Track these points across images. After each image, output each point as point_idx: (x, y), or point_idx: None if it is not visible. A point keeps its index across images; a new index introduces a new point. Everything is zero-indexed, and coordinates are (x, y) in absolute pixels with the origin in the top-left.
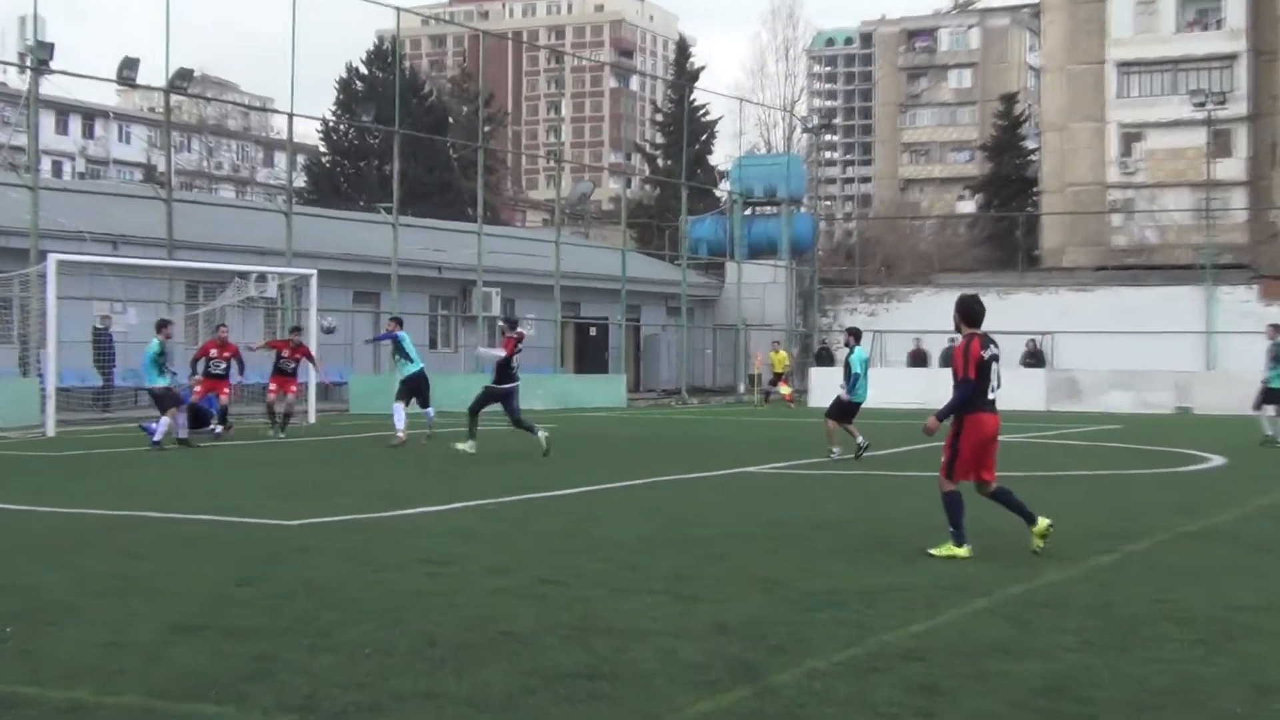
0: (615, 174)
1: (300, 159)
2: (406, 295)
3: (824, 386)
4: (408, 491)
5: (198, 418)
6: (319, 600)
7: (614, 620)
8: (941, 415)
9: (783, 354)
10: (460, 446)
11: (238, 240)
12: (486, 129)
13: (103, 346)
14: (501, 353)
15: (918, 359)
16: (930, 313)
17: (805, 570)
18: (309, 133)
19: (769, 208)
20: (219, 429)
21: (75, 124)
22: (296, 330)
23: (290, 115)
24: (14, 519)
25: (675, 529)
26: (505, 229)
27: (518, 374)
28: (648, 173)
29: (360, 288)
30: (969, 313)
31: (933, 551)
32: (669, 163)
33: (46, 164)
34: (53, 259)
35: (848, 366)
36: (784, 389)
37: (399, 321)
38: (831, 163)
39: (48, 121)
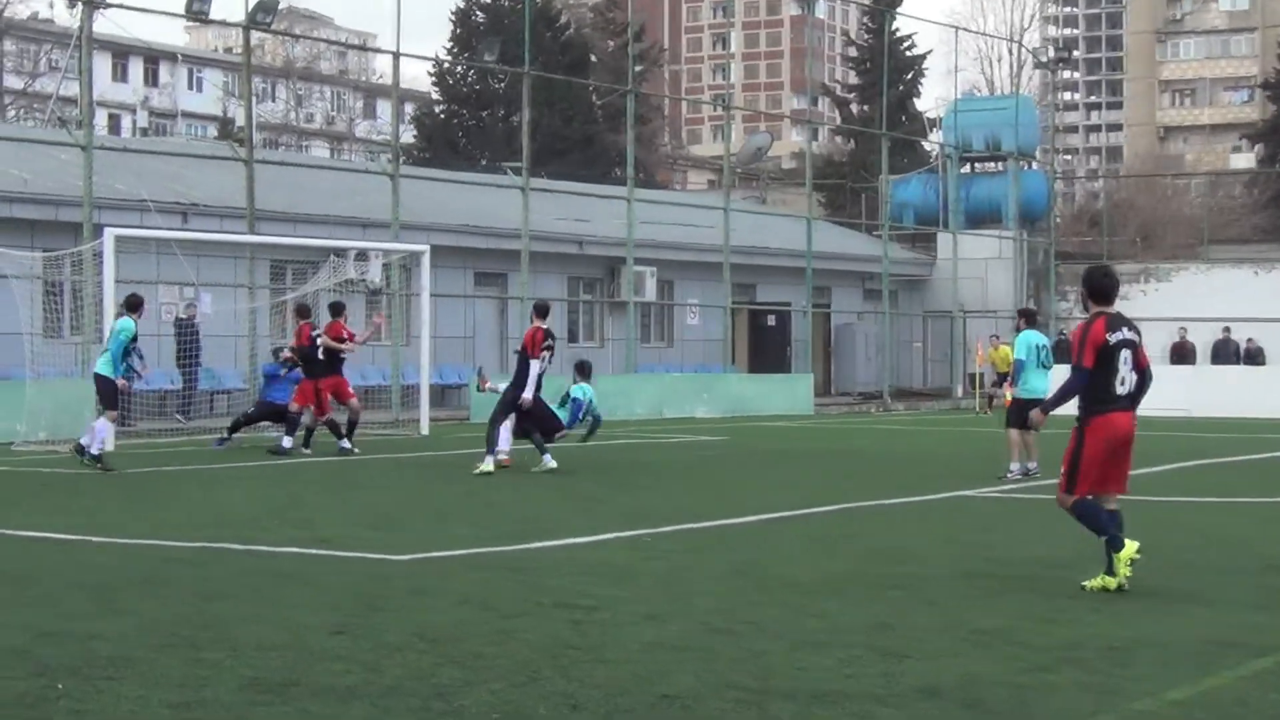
0: (798, 124)
1: (408, 109)
2: (539, 276)
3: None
4: (542, 521)
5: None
6: (434, 654)
7: (797, 681)
8: (1049, 405)
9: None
10: (483, 467)
11: (333, 210)
12: (638, 69)
13: (187, 342)
14: (535, 368)
15: (1181, 354)
16: (1196, 295)
17: (1035, 618)
18: (419, 76)
19: (992, 164)
20: (346, 444)
21: (136, 69)
22: (300, 309)
23: (396, 55)
24: (65, 552)
25: (873, 567)
26: (662, 193)
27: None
28: (839, 122)
29: (483, 266)
30: (1096, 287)
31: (1086, 584)
32: (865, 109)
33: (102, 118)
34: (110, 234)
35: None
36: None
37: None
38: (1071, 106)
39: (103, 66)
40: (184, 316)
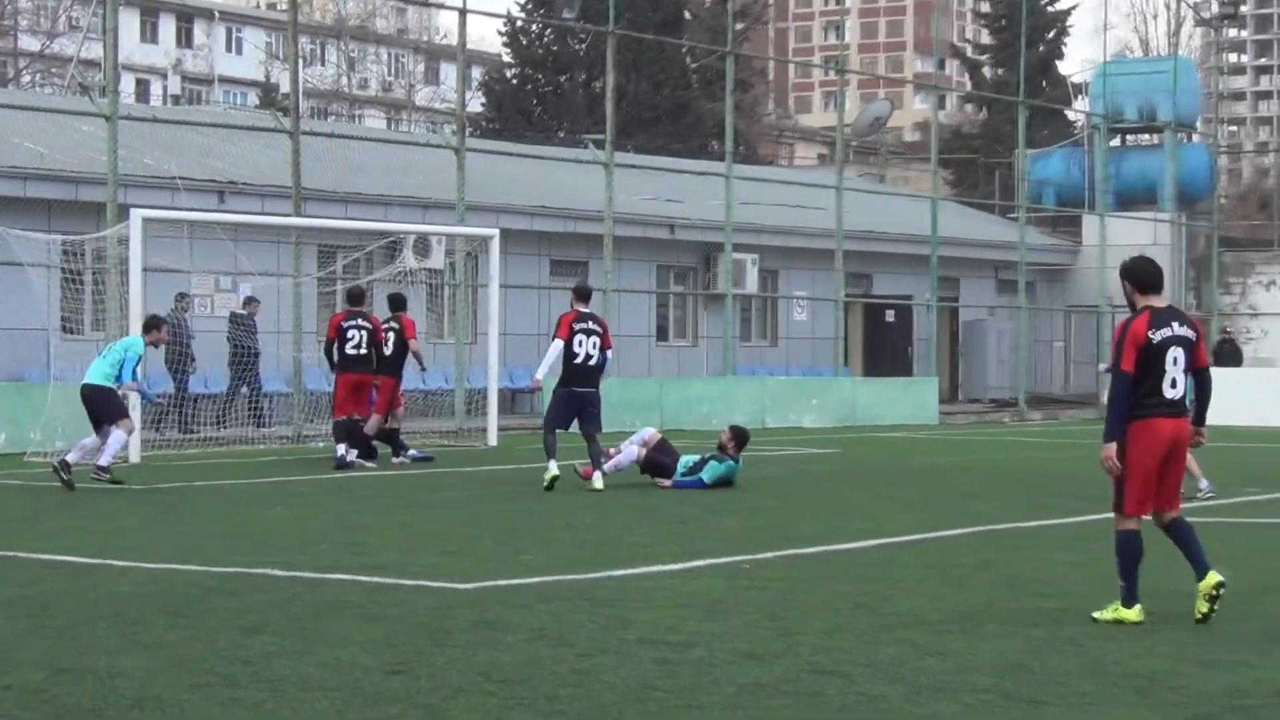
0: (923, 90)
1: (476, 74)
2: (625, 264)
3: (1229, 396)
4: (625, 545)
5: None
6: (502, 696)
7: None
8: (1109, 435)
9: None
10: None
11: (389, 188)
12: (738, 28)
13: (243, 341)
14: (556, 346)
15: None
16: None
17: (1194, 660)
18: (488, 36)
19: (1146, 136)
20: (405, 457)
21: (168, 29)
22: (354, 296)
23: (462, 11)
24: (84, 578)
25: (1007, 600)
26: (765, 169)
27: (593, 373)
28: (969, 87)
29: (560, 253)
30: (1143, 277)
31: (1096, 615)
32: (1000, 72)
33: (128, 84)
34: (137, 216)
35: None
36: None
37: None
38: (1238, 70)
39: (130, 25)
40: (241, 311)
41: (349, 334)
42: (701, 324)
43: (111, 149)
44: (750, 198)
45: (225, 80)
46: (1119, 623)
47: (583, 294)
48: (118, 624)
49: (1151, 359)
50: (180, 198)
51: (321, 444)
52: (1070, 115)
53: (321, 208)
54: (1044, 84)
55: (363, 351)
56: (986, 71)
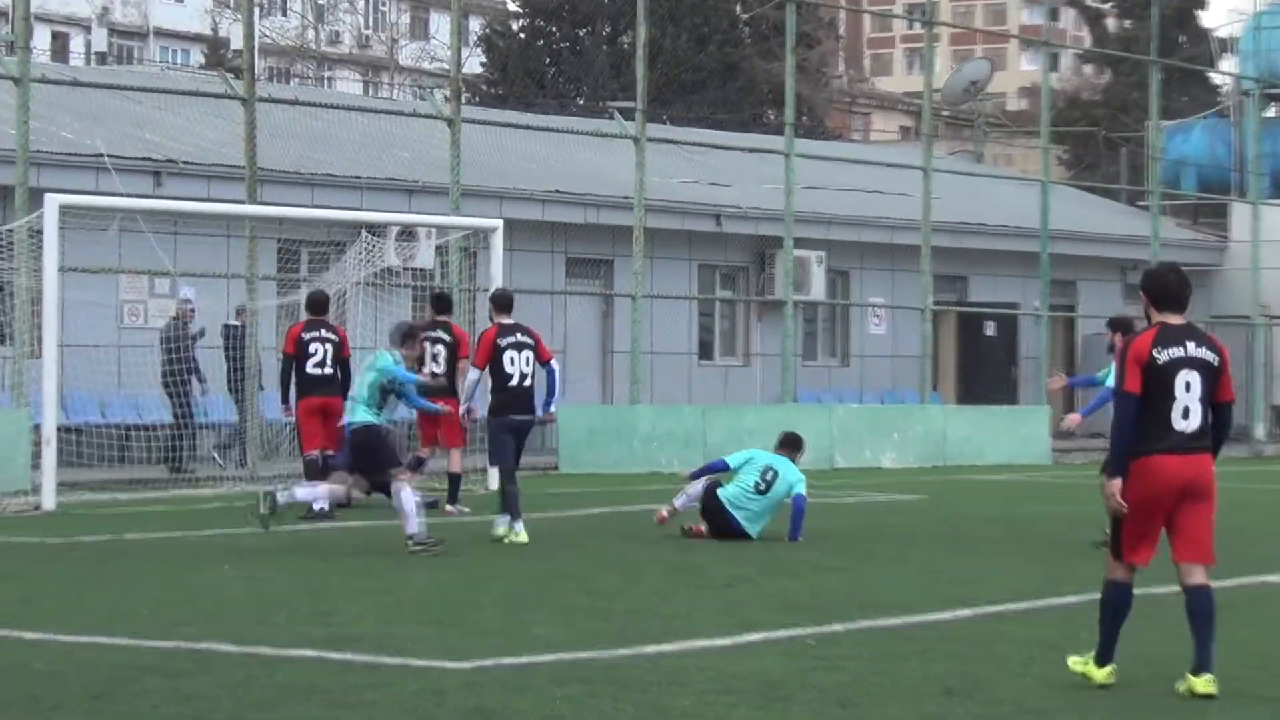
0: (1030, 48)
1: (475, 26)
2: (660, 264)
3: None
4: (660, 613)
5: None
6: None
7: None
8: (1112, 468)
9: None
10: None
11: (366, 169)
12: None
13: (238, 357)
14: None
15: None
16: None
17: None
18: None
19: None
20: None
21: None
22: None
23: None
24: None
25: (1135, 681)
26: (835, 146)
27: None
28: (1089, 44)
29: (579, 249)
30: (1159, 289)
31: (1070, 660)
32: (1127, 25)
33: (43, 39)
34: (52, 202)
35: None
36: None
37: None
38: None
39: None
40: (235, 323)
41: (311, 348)
42: (755, 338)
43: (21, 119)
44: (816, 181)
45: (162, 34)
46: (1086, 679)
47: (503, 303)
48: (27, 711)
49: (1156, 383)
50: (107, 179)
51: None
52: (1215, 79)
53: (282, 192)
54: (1181, 39)
55: (328, 371)
56: (1110, 24)
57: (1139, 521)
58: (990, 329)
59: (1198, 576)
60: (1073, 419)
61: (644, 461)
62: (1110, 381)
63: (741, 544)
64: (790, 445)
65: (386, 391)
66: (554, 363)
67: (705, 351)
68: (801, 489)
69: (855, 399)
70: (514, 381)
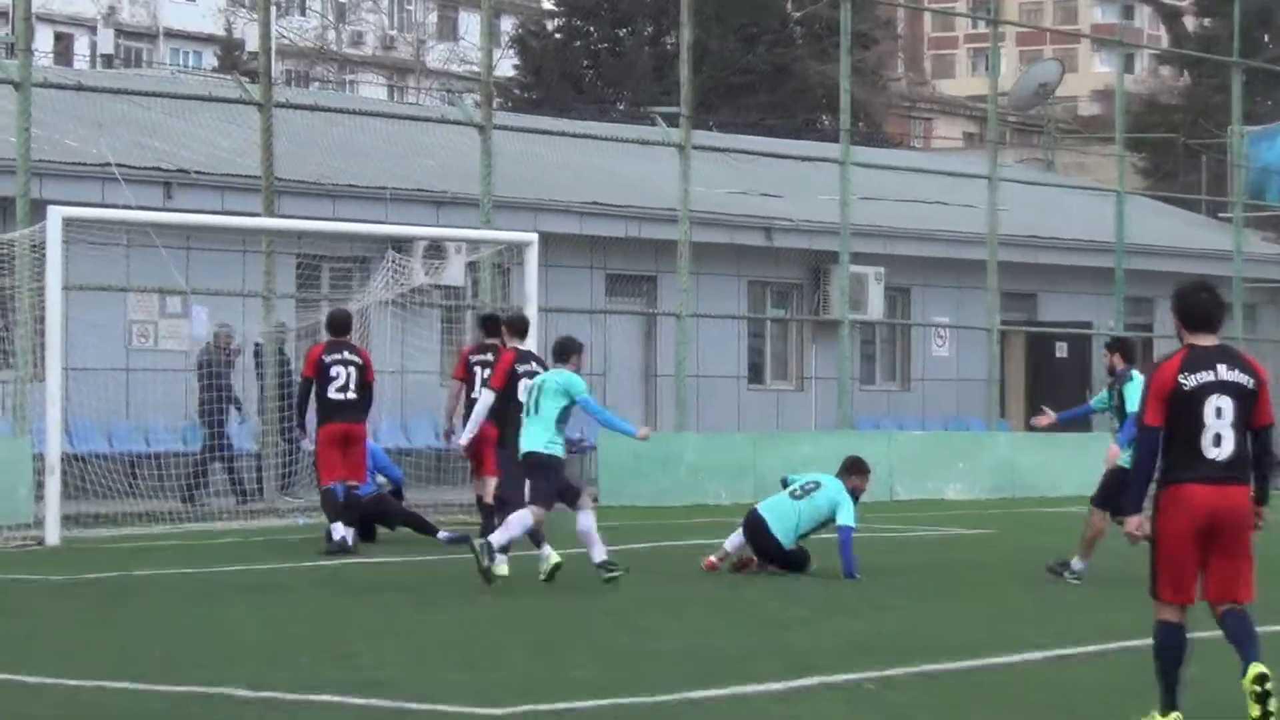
0: (1104, 48)
1: (507, 26)
2: (707, 281)
3: None
4: (708, 655)
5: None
6: None
7: None
8: (1128, 505)
9: None
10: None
11: (391, 179)
12: None
13: (285, 381)
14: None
15: None
16: None
17: None
18: None
19: None
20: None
21: None
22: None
23: None
24: None
25: None
26: (894, 154)
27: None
28: (1166, 43)
29: (619, 265)
30: (1188, 309)
31: None
32: (1208, 24)
33: (46, 40)
34: (56, 214)
35: (1118, 393)
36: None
37: None
38: None
39: None
40: (261, 343)
41: (333, 371)
42: (809, 360)
43: (23, 126)
44: (874, 192)
45: (173, 35)
46: None
47: (519, 327)
48: None
49: (1184, 410)
50: (114, 190)
51: (303, 520)
52: None
53: (301, 204)
54: (1266, 39)
55: (350, 396)
56: (1189, 22)
57: (1172, 555)
58: (1062, 350)
59: (1229, 604)
60: (1043, 419)
61: (690, 493)
62: (1100, 405)
63: (795, 581)
64: (849, 469)
65: (567, 416)
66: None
67: (756, 375)
68: (848, 519)
69: (917, 426)
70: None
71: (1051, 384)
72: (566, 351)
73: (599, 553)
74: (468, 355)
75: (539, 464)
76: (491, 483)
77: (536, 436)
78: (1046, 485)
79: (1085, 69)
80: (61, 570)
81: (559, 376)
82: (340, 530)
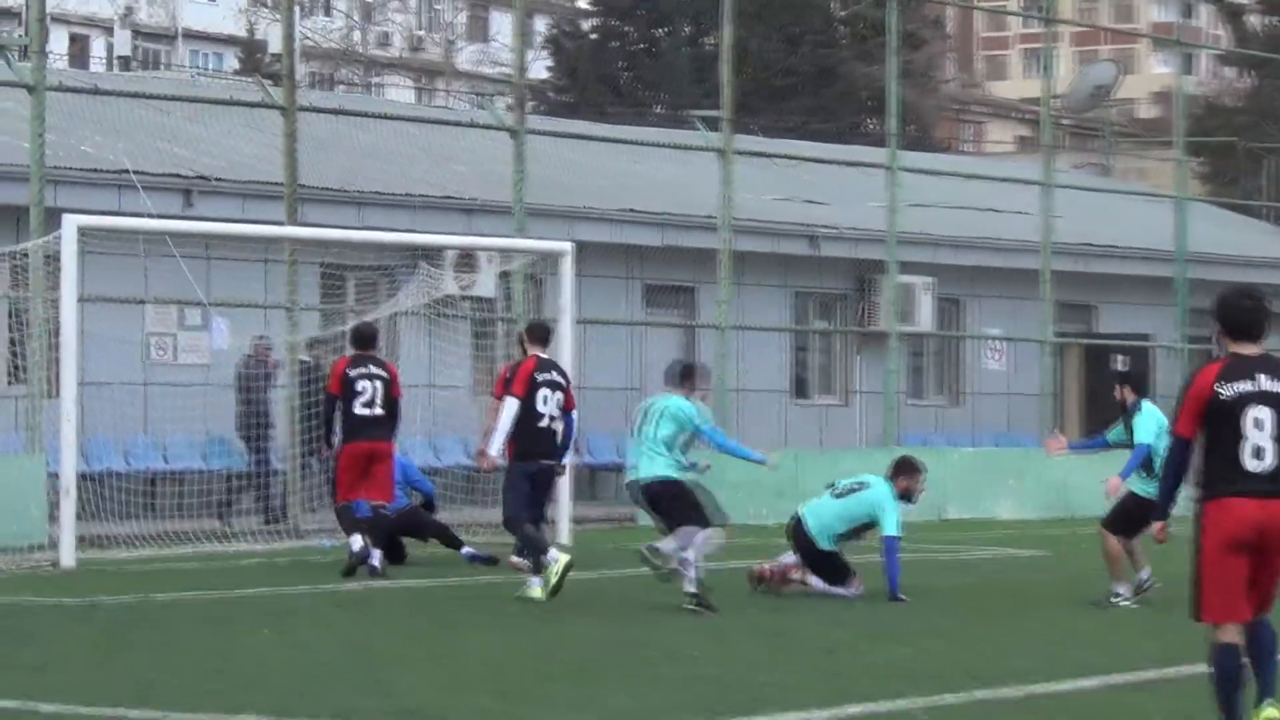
0: (1162, 48)
1: (541, 26)
2: (748, 292)
3: None
4: (748, 683)
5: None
6: None
7: None
8: (1155, 511)
9: None
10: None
11: (419, 186)
12: None
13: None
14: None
15: None
16: None
17: None
18: None
19: None
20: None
21: None
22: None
23: None
24: None
25: None
26: (944, 158)
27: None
28: (1227, 44)
29: (657, 275)
30: (1231, 317)
31: None
32: (1271, 23)
33: (60, 42)
34: (71, 223)
35: (1127, 425)
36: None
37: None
38: None
39: None
40: (308, 359)
41: (359, 386)
42: (855, 374)
43: (37, 131)
44: (923, 198)
45: (192, 36)
46: None
47: (540, 334)
48: None
49: (1222, 421)
50: (132, 198)
51: (329, 543)
52: None
53: (326, 212)
54: None
55: (377, 411)
56: (1252, 21)
57: (1218, 573)
58: (1120, 363)
59: (1262, 613)
60: (1057, 445)
61: (731, 513)
62: (1116, 439)
63: (841, 605)
64: (898, 469)
65: (688, 443)
66: (574, 415)
67: (800, 389)
68: (892, 528)
69: (968, 442)
70: (543, 422)
71: (1109, 399)
72: (680, 376)
73: (690, 582)
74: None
75: (670, 494)
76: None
77: (656, 464)
78: (1103, 505)
79: (1143, 70)
80: (77, 594)
81: (670, 402)
82: (359, 541)
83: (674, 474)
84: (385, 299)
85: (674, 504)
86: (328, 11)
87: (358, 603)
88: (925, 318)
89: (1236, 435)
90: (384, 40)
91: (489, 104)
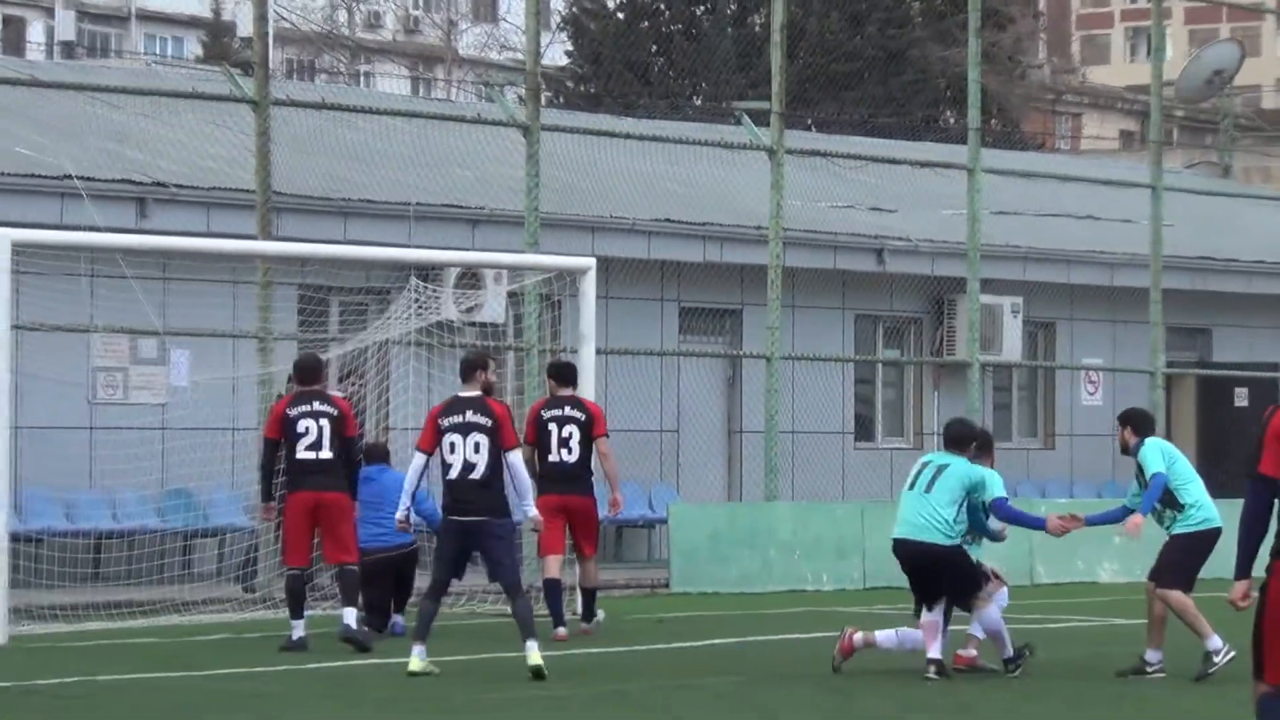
0: None
1: (557, 4)
2: (804, 315)
3: None
4: None
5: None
6: None
7: None
8: (1237, 568)
9: None
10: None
11: (416, 193)
12: None
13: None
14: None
15: None
16: None
17: None
18: None
19: None
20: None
21: None
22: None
23: None
24: None
25: None
26: (1034, 157)
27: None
28: None
29: (695, 296)
30: None
31: None
32: None
33: None
34: (4, 237)
35: (1139, 472)
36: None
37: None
38: None
39: None
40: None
41: (300, 426)
42: (929, 412)
43: None
44: (1010, 205)
45: (148, 18)
46: None
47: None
48: None
49: None
50: (77, 208)
51: (318, 611)
52: None
53: (305, 224)
54: None
55: (324, 455)
56: None
57: None
58: (1242, 397)
59: None
60: (1068, 524)
61: (783, 577)
62: (1132, 502)
63: (911, 680)
64: (978, 448)
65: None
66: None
67: (864, 431)
68: (998, 489)
69: (1063, 491)
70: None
71: (1229, 438)
72: (961, 441)
73: (1005, 649)
74: (537, 411)
75: (950, 561)
76: (591, 564)
77: (935, 529)
78: (1221, 564)
79: (1269, 52)
80: (9, 676)
81: (962, 468)
82: (300, 630)
83: (958, 540)
84: (373, 327)
85: (961, 571)
86: None
87: (339, 685)
88: (1012, 345)
89: None
90: (374, 21)
91: (497, 96)
